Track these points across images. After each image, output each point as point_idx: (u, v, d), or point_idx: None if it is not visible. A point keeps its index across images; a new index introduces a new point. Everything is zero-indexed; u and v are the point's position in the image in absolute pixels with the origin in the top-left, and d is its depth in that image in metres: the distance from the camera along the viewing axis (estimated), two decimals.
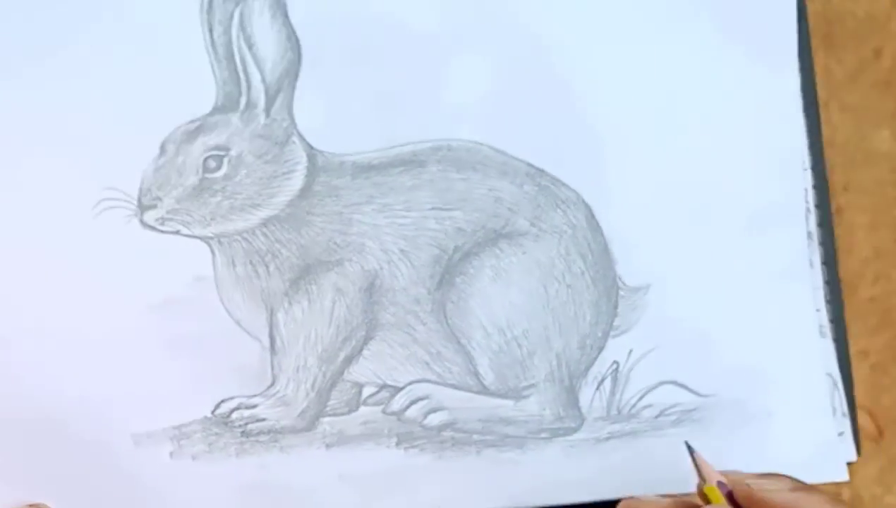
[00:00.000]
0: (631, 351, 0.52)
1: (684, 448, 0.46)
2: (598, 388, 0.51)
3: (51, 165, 0.48)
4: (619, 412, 0.51)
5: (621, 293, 0.52)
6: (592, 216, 0.51)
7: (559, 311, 0.51)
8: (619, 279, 0.52)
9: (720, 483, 0.44)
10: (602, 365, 0.52)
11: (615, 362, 0.52)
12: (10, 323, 0.48)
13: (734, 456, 0.49)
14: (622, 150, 0.52)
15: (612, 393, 0.52)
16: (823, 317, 0.54)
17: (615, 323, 0.52)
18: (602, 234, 0.51)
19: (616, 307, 0.52)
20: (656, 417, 0.52)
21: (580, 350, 0.51)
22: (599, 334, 0.52)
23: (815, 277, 0.54)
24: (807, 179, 0.54)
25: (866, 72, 0.56)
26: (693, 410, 0.52)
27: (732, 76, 0.52)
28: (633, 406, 0.52)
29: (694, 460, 0.45)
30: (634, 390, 0.52)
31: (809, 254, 0.53)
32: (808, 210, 0.54)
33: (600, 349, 0.52)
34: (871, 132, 0.56)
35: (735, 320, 0.52)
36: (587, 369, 0.51)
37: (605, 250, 0.52)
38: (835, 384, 0.54)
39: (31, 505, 0.48)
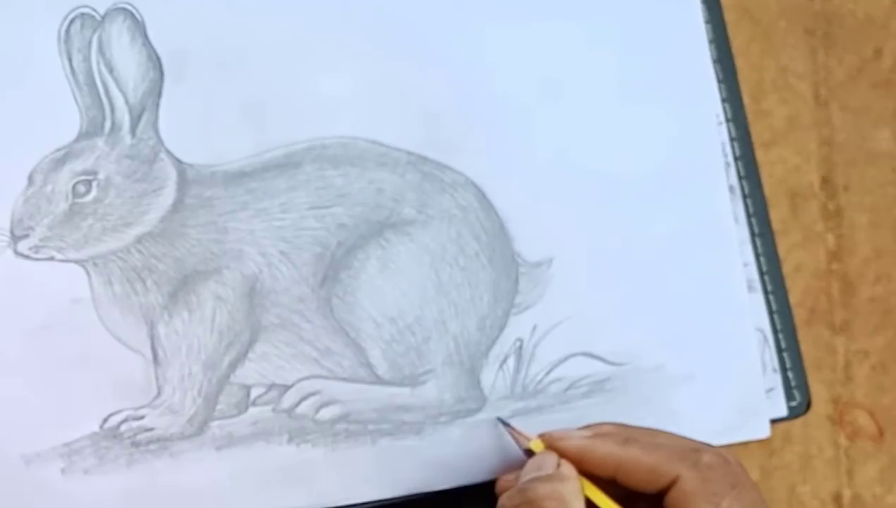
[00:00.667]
0: (535, 327, 0.52)
1: (587, 419, 0.47)
2: (500, 367, 0.52)
3: None
4: (524, 389, 0.52)
5: (521, 270, 0.52)
6: (484, 196, 0.52)
7: (454, 295, 0.51)
8: (518, 256, 0.52)
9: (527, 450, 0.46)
10: (504, 344, 0.52)
11: (518, 339, 0.52)
12: None
13: (650, 422, 0.49)
14: (508, 125, 0.52)
15: (517, 370, 0.52)
16: (752, 271, 0.54)
17: (517, 301, 0.52)
18: (496, 213, 0.52)
19: (517, 284, 0.52)
20: (565, 390, 0.52)
21: (479, 331, 0.52)
22: (500, 313, 0.52)
23: (741, 231, 0.54)
24: (723, 132, 0.54)
25: (866, 72, 0.57)
26: (605, 380, 0.52)
27: (628, 27, 0.53)
28: (540, 381, 0.52)
29: (510, 432, 0.47)
30: (541, 366, 0.52)
31: (733, 208, 0.53)
32: (727, 163, 0.54)
33: (501, 328, 0.52)
34: (872, 132, 0.57)
35: (651, 283, 0.52)
36: (488, 349, 0.52)
37: (501, 229, 0.52)
38: (765, 339, 0.54)
39: None
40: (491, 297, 0.52)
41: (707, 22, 0.55)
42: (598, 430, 0.47)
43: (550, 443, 0.46)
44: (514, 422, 0.50)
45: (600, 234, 0.53)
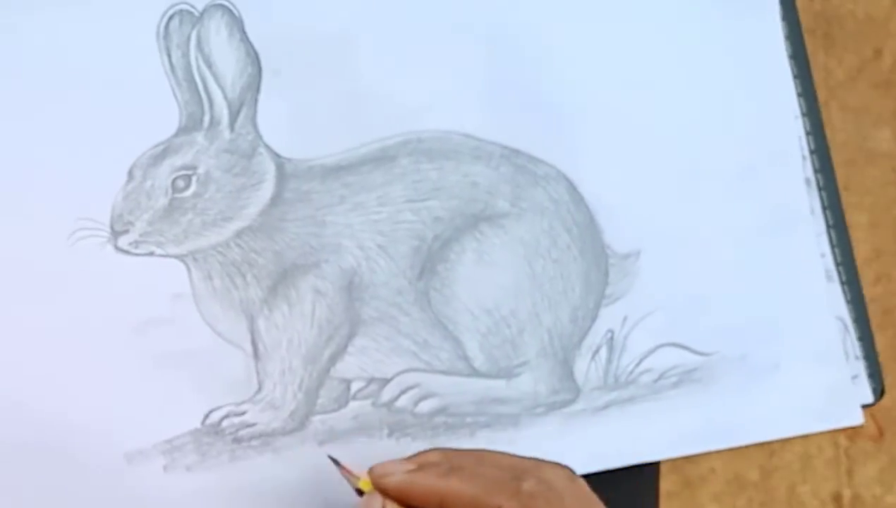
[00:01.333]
0: (626, 318, 0.52)
1: (677, 410, 0.47)
2: (592, 359, 0.52)
3: (23, 200, 0.48)
4: (616, 380, 0.52)
5: (611, 261, 0.52)
6: (574, 189, 0.52)
7: (547, 287, 0.52)
8: (608, 247, 0.52)
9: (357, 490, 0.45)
10: (596, 335, 0.52)
11: (609, 330, 0.52)
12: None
13: (740, 412, 0.50)
14: (597, 118, 0.52)
15: (608, 361, 0.52)
16: (829, 262, 0.54)
17: (607, 292, 0.52)
18: (586, 206, 0.52)
19: (607, 275, 0.52)
20: (655, 381, 0.52)
21: (572, 323, 0.52)
22: (591, 305, 0.52)
23: (817, 223, 0.54)
24: (799, 127, 0.54)
25: (866, 72, 0.57)
26: (694, 370, 0.52)
27: (710, 26, 0.53)
28: (631, 372, 0.52)
29: (341, 471, 0.46)
30: (631, 356, 0.52)
31: (809, 200, 0.54)
32: (803, 157, 0.54)
33: (593, 319, 0.52)
34: (872, 132, 0.57)
35: (734, 274, 0.53)
36: (580, 341, 0.52)
37: (591, 221, 0.52)
38: (846, 328, 0.54)
39: None
40: (582, 289, 0.52)
41: (782, 19, 0.55)
42: (424, 459, 0.45)
43: (375, 481, 0.45)
44: (344, 460, 0.47)
45: (685, 227, 0.53)
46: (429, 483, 0.44)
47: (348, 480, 0.45)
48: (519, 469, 0.44)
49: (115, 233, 0.49)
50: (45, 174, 0.49)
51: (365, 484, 0.45)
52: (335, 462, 0.46)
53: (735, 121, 0.54)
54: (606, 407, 0.51)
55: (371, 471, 0.45)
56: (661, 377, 0.52)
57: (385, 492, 0.44)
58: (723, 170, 0.53)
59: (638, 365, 0.52)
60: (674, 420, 0.50)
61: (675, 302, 0.52)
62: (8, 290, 0.48)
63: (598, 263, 0.52)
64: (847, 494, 0.55)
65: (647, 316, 0.52)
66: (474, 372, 0.51)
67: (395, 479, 0.44)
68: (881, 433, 0.56)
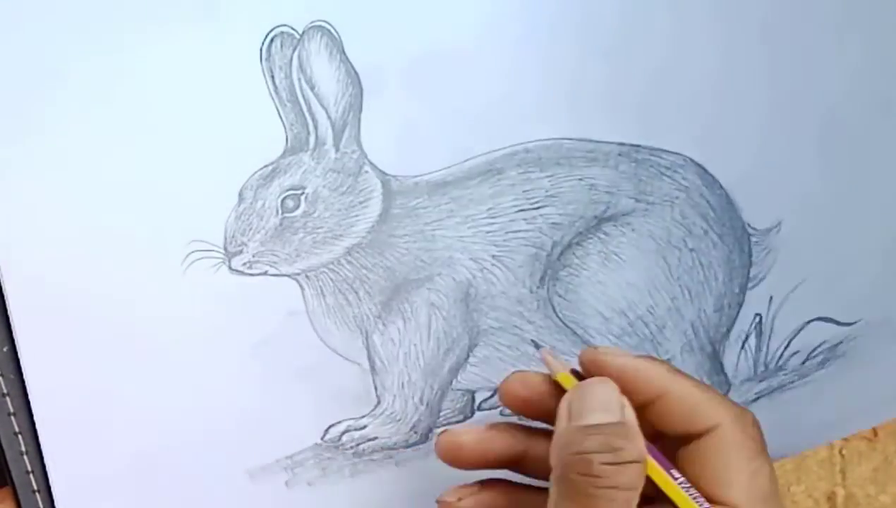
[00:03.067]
0: (771, 298, 0.51)
1: (824, 391, 0.45)
2: (742, 348, 0.51)
3: (137, 226, 0.49)
4: (767, 367, 0.51)
5: (753, 239, 0.51)
6: (706, 172, 0.51)
7: (686, 278, 0.51)
8: (749, 226, 0.51)
9: (574, 371, 0.41)
10: (744, 322, 0.51)
11: (757, 314, 0.51)
12: (122, 377, 0.49)
13: (888, 377, 0.48)
14: (717, 97, 0.51)
15: (758, 348, 0.51)
16: None
17: (751, 274, 0.51)
18: (721, 187, 0.51)
19: (750, 256, 0.51)
20: (803, 363, 0.51)
21: (717, 312, 0.51)
22: (736, 289, 0.51)
23: None
24: None
25: None
26: (839, 344, 0.51)
27: None
28: (780, 356, 0.51)
29: (544, 358, 0.42)
30: (780, 339, 0.51)
31: None
32: None
33: (739, 305, 0.51)
34: None
35: (872, 235, 0.51)
36: (728, 330, 0.51)
37: (728, 202, 0.51)
38: None
39: None
40: (725, 275, 0.51)
41: None
42: (648, 357, 0.42)
43: (594, 358, 0.41)
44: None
45: (823, 192, 0.51)
46: (657, 371, 0.40)
47: (550, 367, 0.42)
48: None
49: (229, 254, 0.50)
50: (158, 199, 0.49)
51: (564, 378, 0.41)
52: (536, 345, 0.45)
53: (867, 85, 0.51)
54: (757, 398, 0.50)
55: (590, 350, 0.41)
56: (807, 358, 0.51)
57: (605, 371, 0.40)
58: (855, 130, 0.52)
59: (787, 347, 0.51)
60: (820, 404, 0.49)
61: (817, 271, 0.51)
62: (126, 314, 0.49)
63: (740, 245, 0.51)
64: (841, 493, 0.55)
65: (792, 292, 0.51)
66: None
67: (621, 360, 0.40)
68: (875, 432, 0.55)
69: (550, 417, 0.41)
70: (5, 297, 0.47)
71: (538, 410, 0.42)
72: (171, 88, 0.49)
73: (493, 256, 0.51)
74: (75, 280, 0.48)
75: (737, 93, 0.51)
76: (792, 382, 0.51)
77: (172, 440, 0.49)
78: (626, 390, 0.40)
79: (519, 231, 0.51)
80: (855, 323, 0.52)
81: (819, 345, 0.52)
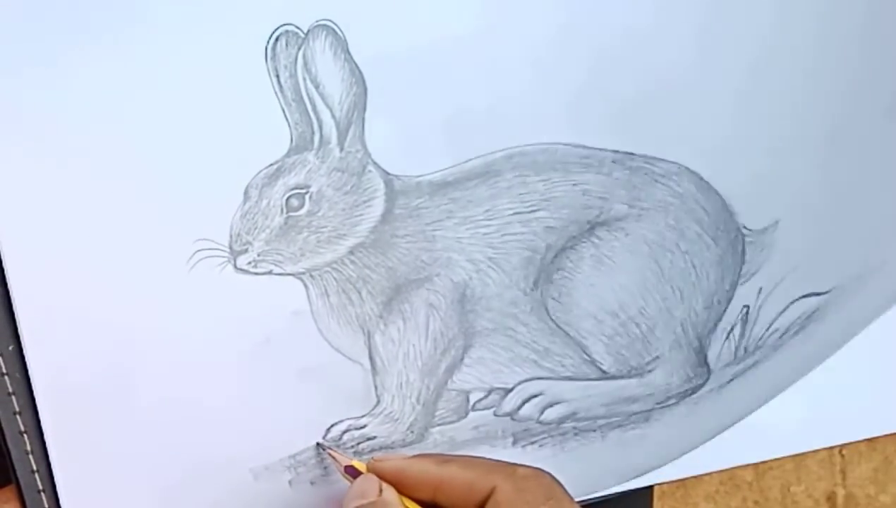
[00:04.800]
0: (760, 289, 0.52)
1: (797, 359, 0.46)
2: (727, 338, 0.52)
3: (142, 225, 0.49)
4: (747, 350, 0.52)
5: (748, 239, 0.52)
6: (701, 179, 0.52)
7: (678, 280, 0.52)
8: (744, 228, 0.52)
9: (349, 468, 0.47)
10: (731, 315, 0.52)
11: (745, 306, 0.52)
12: (127, 375, 0.49)
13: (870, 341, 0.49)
14: (714, 105, 0.51)
15: (742, 336, 0.52)
16: None
17: (743, 271, 0.52)
18: (717, 193, 0.52)
19: (743, 255, 0.52)
20: (780, 337, 0.52)
21: (706, 310, 0.52)
22: (727, 287, 0.52)
23: None
24: None
25: None
26: (815, 311, 0.52)
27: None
28: (760, 338, 0.52)
29: (329, 454, 0.47)
30: (763, 324, 0.51)
31: None
32: None
33: (728, 300, 0.52)
34: None
35: (867, 221, 0.51)
36: (716, 325, 0.52)
37: (724, 207, 0.52)
38: None
39: None
40: (717, 274, 0.52)
41: None
42: (418, 455, 0.47)
43: (372, 466, 0.46)
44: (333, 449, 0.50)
45: (819, 191, 0.52)
46: (424, 467, 0.45)
47: (336, 464, 0.46)
48: (511, 463, 0.45)
49: (235, 253, 0.50)
50: (163, 198, 0.49)
51: (359, 464, 0.46)
52: (322, 447, 0.47)
53: (863, 71, 0.52)
54: (731, 380, 0.52)
55: (369, 464, 0.46)
56: (785, 332, 0.52)
57: (382, 476, 0.46)
58: (857, 126, 0.52)
59: (768, 329, 0.52)
60: (789, 368, 0.50)
61: (807, 259, 0.52)
62: (131, 313, 0.49)
63: (734, 246, 0.52)
64: (841, 493, 0.56)
65: (780, 282, 0.52)
66: (603, 375, 0.52)
67: (392, 463, 0.46)
68: None
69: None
70: (11, 296, 0.47)
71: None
72: (176, 87, 0.49)
73: (489, 258, 0.52)
74: (81, 279, 0.48)
75: (732, 102, 0.52)
76: (767, 357, 0.52)
77: (177, 438, 0.50)
78: (406, 487, 0.45)
79: (514, 233, 0.52)
80: (832, 289, 0.53)
81: (797, 318, 0.52)
